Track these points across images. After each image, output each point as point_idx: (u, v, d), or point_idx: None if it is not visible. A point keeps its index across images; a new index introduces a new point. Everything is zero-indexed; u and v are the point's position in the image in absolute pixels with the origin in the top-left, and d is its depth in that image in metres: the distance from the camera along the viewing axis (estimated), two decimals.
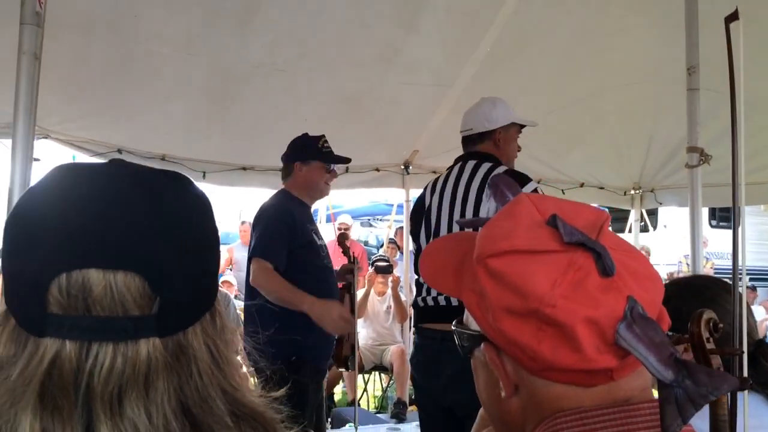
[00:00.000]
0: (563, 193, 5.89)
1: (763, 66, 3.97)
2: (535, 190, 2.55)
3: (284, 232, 2.87)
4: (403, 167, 5.21)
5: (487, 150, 2.65)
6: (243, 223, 7.89)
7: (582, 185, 5.94)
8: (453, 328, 0.80)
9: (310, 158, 3.01)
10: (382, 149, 4.92)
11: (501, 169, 2.56)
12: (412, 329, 2.93)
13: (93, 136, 4.11)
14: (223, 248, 7.43)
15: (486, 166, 2.58)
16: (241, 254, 7.14)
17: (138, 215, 0.62)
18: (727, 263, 8.19)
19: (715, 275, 7.25)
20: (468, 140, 2.73)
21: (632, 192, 6.22)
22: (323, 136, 3.06)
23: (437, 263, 0.80)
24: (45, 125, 3.71)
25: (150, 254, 0.61)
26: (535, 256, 0.67)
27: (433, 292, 2.57)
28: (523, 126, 2.79)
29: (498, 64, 4.13)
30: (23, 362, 0.60)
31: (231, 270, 7.36)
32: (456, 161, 2.74)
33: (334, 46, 3.79)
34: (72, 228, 0.60)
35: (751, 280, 9.75)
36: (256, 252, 2.85)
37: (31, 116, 1.91)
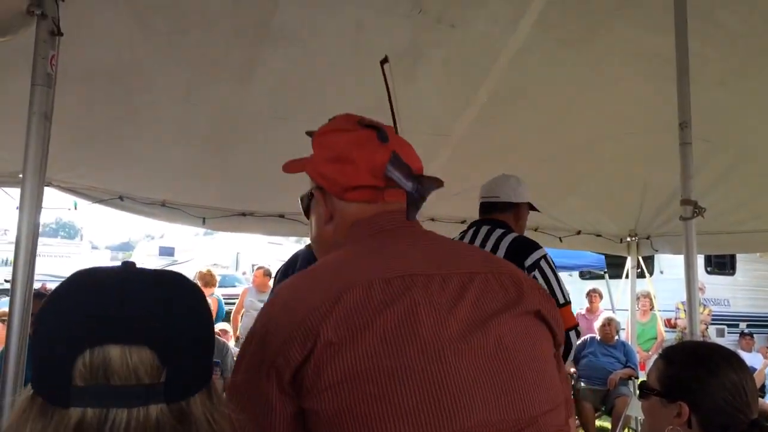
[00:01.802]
0: (561, 241, 5.93)
1: (753, 118, 4.06)
2: (544, 257, 2.66)
3: None
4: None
5: (505, 219, 2.88)
6: (259, 268, 7.87)
7: (579, 233, 5.99)
8: (299, 197, 1.34)
9: None
10: None
11: (512, 235, 2.73)
12: None
13: (94, 183, 4.16)
14: (227, 290, 7.47)
15: (498, 231, 2.76)
16: (252, 299, 7.14)
17: (150, 301, 0.74)
18: (725, 309, 8.23)
19: (712, 321, 7.21)
20: (491, 206, 2.96)
21: (628, 239, 6.27)
22: None
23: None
24: (47, 173, 3.74)
25: (160, 331, 0.73)
26: (343, 132, 1.27)
27: None
28: (532, 208, 3.07)
29: (495, 114, 4.20)
30: (51, 431, 0.69)
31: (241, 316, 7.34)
32: (471, 225, 2.93)
33: (332, 95, 3.86)
34: (94, 312, 0.72)
35: (747, 326, 9.72)
36: None
37: (41, 173, 1.97)
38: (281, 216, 4.84)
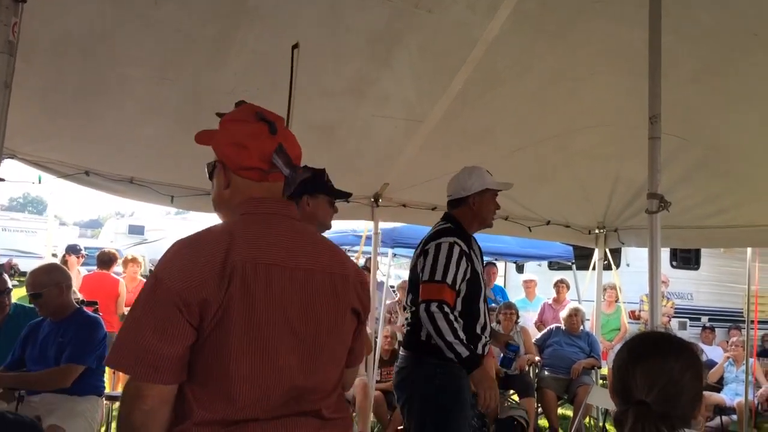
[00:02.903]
0: (530, 231, 5.98)
1: (724, 115, 4.12)
2: (437, 244, 3.03)
3: None
4: (372, 199, 5.23)
5: (460, 213, 3.21)
6: None
7: (548, 223, 6.05)
8: (206, 164, 1.69)
9: (317, 192, 2.95)
10: (352, 180, 4.94)
11: (435, 227, 3.21)
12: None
13: (61, 157, 4.07)
14: None
15: (437, 225, 3.22)
16: None
17: None
18: (687, 303, 8.36)
19: (675, 314, 7.34)
20: (449, 204, 3.30)
21: (596, 231, 6.35)
22: (324, 169, 3.02)
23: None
24: (11, 146, 3.66)
25: None
26: (243, 122, 1.60)
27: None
28: (499, 190, 3.28)
29: (469, 103, 4.21)
30: None
31: None
32: None
33: (307, 75, 3.82)
34: None
35: (709, 320, 9.94)
36: None
37: None
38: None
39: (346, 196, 3.10)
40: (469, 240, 3.16)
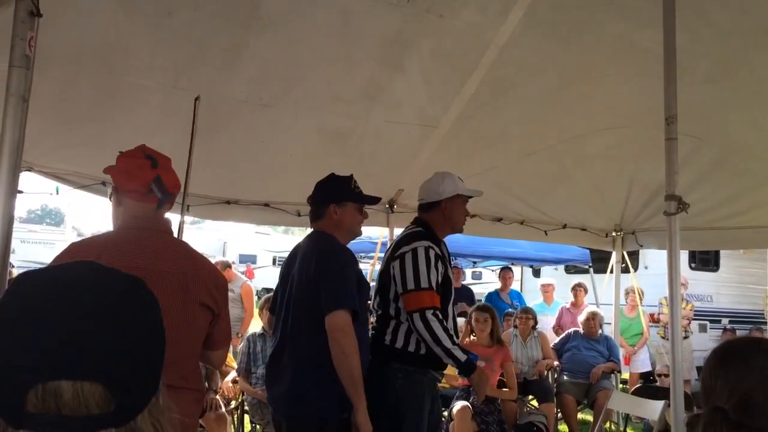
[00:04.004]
0: (546, 234, 5.94)
1: (739, 115, 4.07)
2: (413, 250, 3.01)
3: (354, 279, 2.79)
4: (387, 206, 5.23)
5: (431, 217, 3.22)
6: (217, 263, 7.52)
7: (565, 226, 6.00)
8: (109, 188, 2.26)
9: (345, 200, 2.91)
10: (366, 187, 4.94)
11: (405, 232, 3.24)
12: None
13: (77, 167, 4.10)
14: None
15: (407, 230, 3.25)
16: None
17: (104, 333, 0.75)
18: (707, 305, 8.25)
19: (695, 317, 7.25)
20: (420, 208, 3.31)
21: (613, 234, 6.29)
22: (352, 176, 2.99)
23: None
24: (28, 158, 3.69)
25: (113, 367, 0.75)
26: (133, 157, 2.12)
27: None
28: (470, 197, 3.30)
29: (482, 106, 4.19)
30: None
31: None
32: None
33: (320, 82, 3.83)
34: (46, 345, 0.73)
35: (730, 322, 9.81)
36: (340, 302, 2.63)
37: (17, 157, 1.94)
38: (266, 205, 4.81)
39: (374, 201, 3.07)
40: (440, 244, 3.16)
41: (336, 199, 2.88)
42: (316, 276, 2.67)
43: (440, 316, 2.93)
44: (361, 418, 2.61)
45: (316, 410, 2.65)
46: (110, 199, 2.19)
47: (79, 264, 0.83)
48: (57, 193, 7.70)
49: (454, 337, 2.98)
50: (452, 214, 3.23)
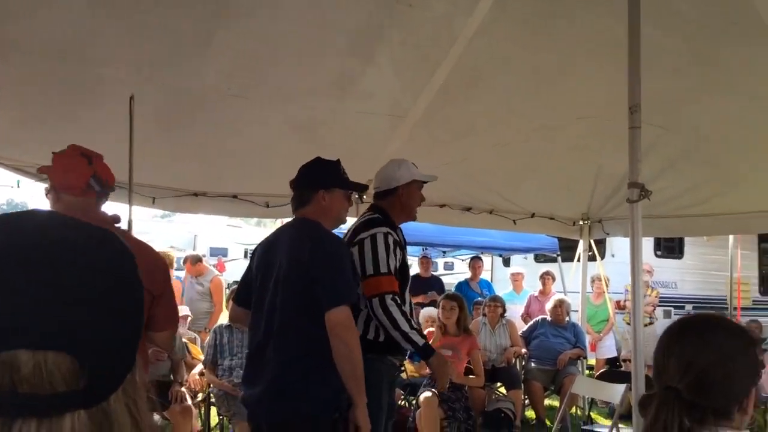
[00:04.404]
0: (515, 224, 6.00)
1: (704, 105, 4.15)
2: (370, 236, 2.97)
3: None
4: (356, 196, 5.21)
5: (388, 204, 3.19)
6: (186, 260, 7.38)
7: (533, 215, 6.07)
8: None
9: (334, 186, 2.80)
10: None
11: (362, 218, 3.21)
12: None
13: (39, 160, 4.00)
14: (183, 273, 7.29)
15: (363, 216, 3.21)
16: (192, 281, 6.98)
17: (67, 293, 0.60)
18: (672, 291, 8.40)
19: (660, 303, 7.38)
20: (376, 196, 3.30)
21: (581, 223, 6.38)
22: (339, 161, 2.89)
23: None
24: None
25: (80, 333, 0.60)
26: (70, 156, 2.27)
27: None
28: (425, 182, 3.28)
29: (452, 97, 4.21)
30: None
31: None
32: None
33: (290, 73, 3.80)
34: (2, 310, 0.58)
35: (693, 308, 10.03)
36: (342, 298, 2.53)
37: None
38: (234, 196, 4.76)
39: (363, 188, 3.01)
40: (397, 231, 3.15)
41: (325, 185, 2.77)
42: (311, 268, 2.53)
43: (399, 301, 2.91)
44: (362, 416, 2.51)
45: (304, 408, 2.51)
46: (47, 197, 2.33)
47: (40, 212, 0.69)
48: (18, 186, 7.52)
49: (413, 322, 2.96)
50: (409, 200, 3.23)
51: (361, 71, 3.89)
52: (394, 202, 3.21)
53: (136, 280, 0.68)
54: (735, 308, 9.89)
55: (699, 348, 1.31)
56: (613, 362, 7.87)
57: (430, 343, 3.28)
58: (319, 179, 2.80)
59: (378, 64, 3.86)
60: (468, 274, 9.13)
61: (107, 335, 0.62)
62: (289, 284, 2.57)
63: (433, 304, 6.83)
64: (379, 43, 3.70)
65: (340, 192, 2.81)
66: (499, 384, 6.92)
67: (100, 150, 4.04)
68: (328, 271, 2.54)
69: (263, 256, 2.77)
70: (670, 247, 10.31)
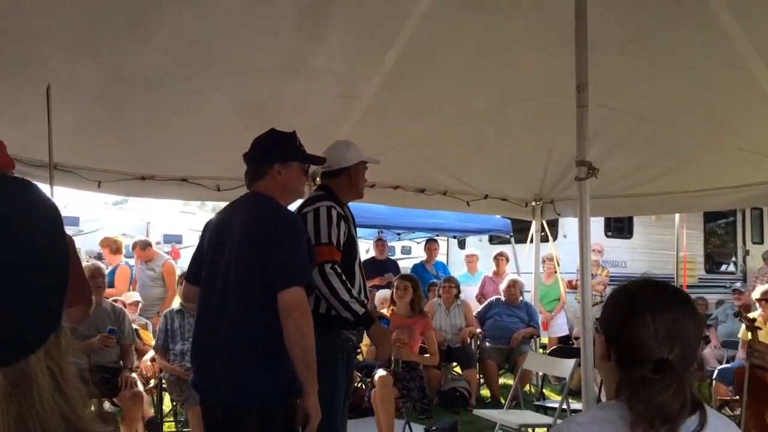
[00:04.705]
0: (468, 205, 6.03)
1: (649, 85, 4.21)
2: (314, 210, 3.03)
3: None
4: (309, 178, 5.16)
5: (336, 183, 3.26)
6: (135, 245, 7.24)
7: (486, 197, 6.11)
8: None
9: (290, 159, 2.68)
10: None
11: (315, 193, 3.29)
12: None
13: None
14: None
15: (311, 194, 3.32)
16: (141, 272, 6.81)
17: None
18: (622, 270, 8.60)
19: (610, 282, 7.53)
20: (324, 175, 3.35)
21: (533, 203, 6.45)
22: (295, 132, 2.77)
23: None
24: None
25: None
26: None
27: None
28: (367, 163, 3.37)
29: (404, 77, 4.18)
30: None
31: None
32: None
33: (236, 52, 3.72)
34: None
35: None
36: (296, 277, 2.42)
37: None
38: (183, 179, 4.66)
39: (320, 161, 2.95)
40: (343, 207, 3.18)
41: (281, 158, 2.65)
42: (265, 247, 2.42)
43: (339, 270, 2.89)
44: (312, 404, 2.43)
45: (259, 393, 2.42)
46: None
47: None
48: None
49: (353, 291, 2.94)
50: (357, 179, 3.32)
51: (309, 51, 3.83)
52: (343, 181, 3.27)
53: (58, 235, 0.63)
54: (681, 286, 10.18)
55: (684, 319, 1.32)
56: (565, 340, 8.02)
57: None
58: (275, 152, 2.68)
59: (327, 44, 3.80)
60: (423, 259, 9.18)
61: (21, 292, 0.58)
62: (242, 264, 2.46)
63: (389, 286, 6.84)
64: (327, 22, 3.64)
65: (296, 165, 2.70)
66: (454, 364, 7.00)
67: (38, 133, 3.91)
68: (283, 249, 2.42)
69: (215, 232, 2.66)
70: (620, 228, 10.54)
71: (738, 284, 9.24)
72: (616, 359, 1.35)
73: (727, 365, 6.17)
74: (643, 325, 1.30)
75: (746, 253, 11.92)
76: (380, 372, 5.10)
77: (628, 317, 1.33)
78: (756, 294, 5.97)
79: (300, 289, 2.39)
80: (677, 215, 9.69)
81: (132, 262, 7.10)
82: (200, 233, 2.85)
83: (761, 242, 12.01)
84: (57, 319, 0.62)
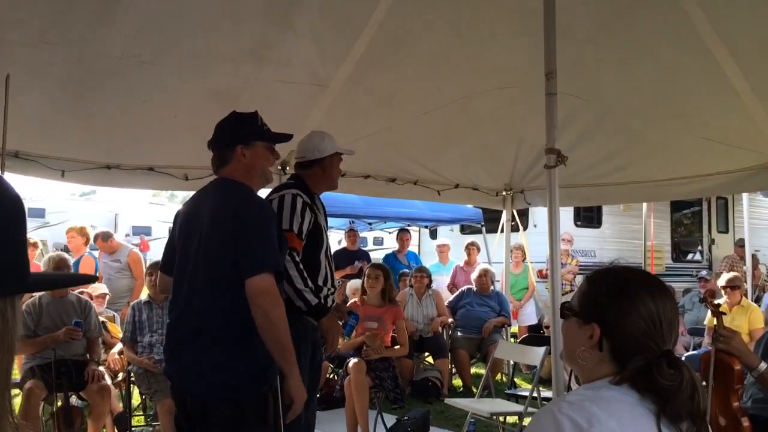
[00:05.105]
0: (439, 194, 6.04)
1: (620, 74, 4.25)
2: (280, 197, 3.05)
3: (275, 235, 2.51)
4: (279, 167, 5.11)
5: (309, 174, 3.25)
6: (96, 236, 6.95)
7: (457, 186, 6.12)
8: None
9: (252, 139, 2.58)
10: None
11: (285, 182, 3.33)
12: None
13: None
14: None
15: (282, 183, 3.32)
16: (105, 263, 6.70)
17: None
18: (591, 260, 8.67)
19: (580, 271, 7.59)
20: (298, 165, 3.35)
21: (504, 193, 6.48)
22: (257, 112, 2.69)
23: None
24: None
25: None
26: None
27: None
28: (342, 154, 3.37)
29: (373, 65, 4.15)
30: None
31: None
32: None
33: (204, 39, 3.65)
34: None
35: None
36: (264, 264, 2.37)
37: None
38: (150, 169, 4.57)
39: (285, 138, 2.79)
40: (312, 196, 3.17)
41: (242, 139, 2.57)
42: (233, 234, 2.37)
43: (297, 259, 2.88)
44: (294, 387, 2.42)
45: (227, 383, 2.39)
46: None
47: None
48: None
49: (309, 281, 2.92)
50: (331, 171, 3.31)
51: (279, 38, 3.79)
52: (317, 172, 3.27)
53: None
54: None
55: (674, 309, 1.31)
56: (534, 329, 8.10)
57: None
58: (236, 134, 2.61)
59: (297, 31, 3.76)
60: (395, 249, 9.18)
61: None
62: (212, 251, 2.43)
63: (360, 274, 6.83)
64: (297, 8, 3.60)
65: (261, 145, 2.62)
66: (426, 354, 7.03)
67: None
68: (250, 235, 2.38)
69: (185, 221, 2.62)
70: (589, 217, 10.65)
71: (704, 272, 9.40)
72: (611, 349, 1.29)
73: (694, 352, 6.29)
74: (652, 316, 1.26)
75: (712, 242, 12.15)
76: (353, 359, 5.10)
77: (626, 303, 1.29)
78: (721, 281, 6.09)
79: (267, 275, 2.35)
80: (645, 205, 9.83)
81: (96, 254, 6.97)
82: (171, 223, 2.80)
83: (726, 231, 12.26)
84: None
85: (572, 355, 1.35)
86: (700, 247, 12.32)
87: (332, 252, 3.38)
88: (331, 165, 3.31)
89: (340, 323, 3.36)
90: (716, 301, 4.32)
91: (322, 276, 3.11)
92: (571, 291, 7.99)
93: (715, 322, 4.26)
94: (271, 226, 2.49)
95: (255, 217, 2.45)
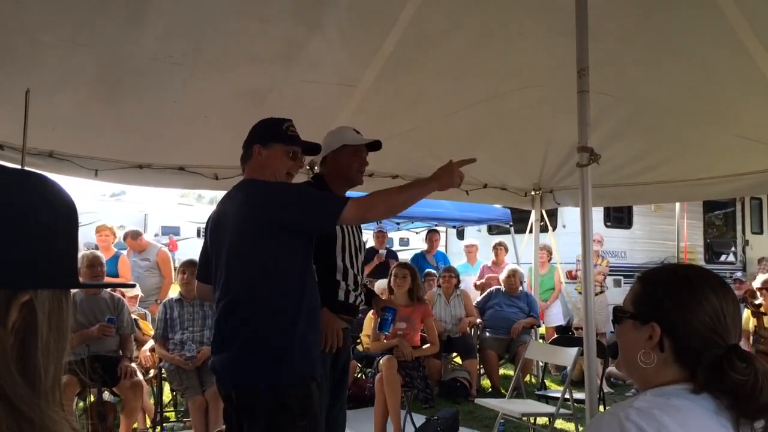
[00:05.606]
0: (467, 194, 6.00)
1: (653, 71, 4.18)
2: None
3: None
4: (308, 168, 5.13)
5: (327, 172, 3.21)
6: (126, 235, 7.14)
7: (485, 186, 6.08)
8: None
9: (271, 141, 2.66)
10: None
11: (304, 183, 3.27)
12: None
13: None
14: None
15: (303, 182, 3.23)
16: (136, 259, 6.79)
17: None
18: (622, 261, 8.58)
19: (610, 273, 7.49)
20: (321, 165, 3.32)
21: (532, 193, 6.43)
22: (290, 120, 2.75)
23: None
24: None
25: None
26: None
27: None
28: (359, 147, 3.18)
29: (401, 65, 4.14)
30: None
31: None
32: None
33: (234, 40, 3.68)
34: None
35: None
36: (328, 213, 2.47)
37: None
38: (181, 168, 4.63)
39: (309, 146, 2.80)
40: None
41: (261, 140, 2.67)
42: (270, 219, 2.43)
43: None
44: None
45: (270, 377, 2.41)
46: None
47: None
48: None
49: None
50: (340, 165, 3.15)
51: (307, 39, 3.80)
52: (329, 169, 3.19)
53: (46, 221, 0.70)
54: None
55: (735, 303, 1.26)
56: (561, 330, 8.02)
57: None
58: (257, 135, 2.71)
59: (325, 32, 3.77)
60: (423, 249, 9.17)
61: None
62: (242, 250, 2.48)
63: (386, 271, 6.80)
64: (325, 9, 3.61)
65: (279, 147, 2.66)
66: (454, 354, 7.00)
67: (36, 121, 3.89)
68: (290, 203, 2.47)
69: (215, 226, 2.68)
70: (619, 218, 10.51)
71: (738, 274, 9.22)
72: (674, 348, 1.23)
73: None
74: (718, 311, 1.22)
75: (746, 243, 11.91)
76: (385, 356, 5.11)
77: (689, 299, 1.23)
78: (756, 283, 5.96)
79: (340, 212, 2.43)
80: (677, 205, 9.67)
81: (125, 253, 7.07)
82: (199, 223, 2.84)
83: (761, 232, 12.01)
84: (52, 277, 0.69)
85: (632, 360, 1.28)
86: (733, 248, 12.09)
87: (361, 251, 3.31)
88: (338, 159, 3.15)
89: (347, 325, 3.20)
90: (756, 302, 4.23)
91: (340, 272, 3.08)
92: (602, 292, 7.90)
93: (755, 323, 4.18)
94: (298, 188, 2.66)
95: (272, 190, 2.53)
